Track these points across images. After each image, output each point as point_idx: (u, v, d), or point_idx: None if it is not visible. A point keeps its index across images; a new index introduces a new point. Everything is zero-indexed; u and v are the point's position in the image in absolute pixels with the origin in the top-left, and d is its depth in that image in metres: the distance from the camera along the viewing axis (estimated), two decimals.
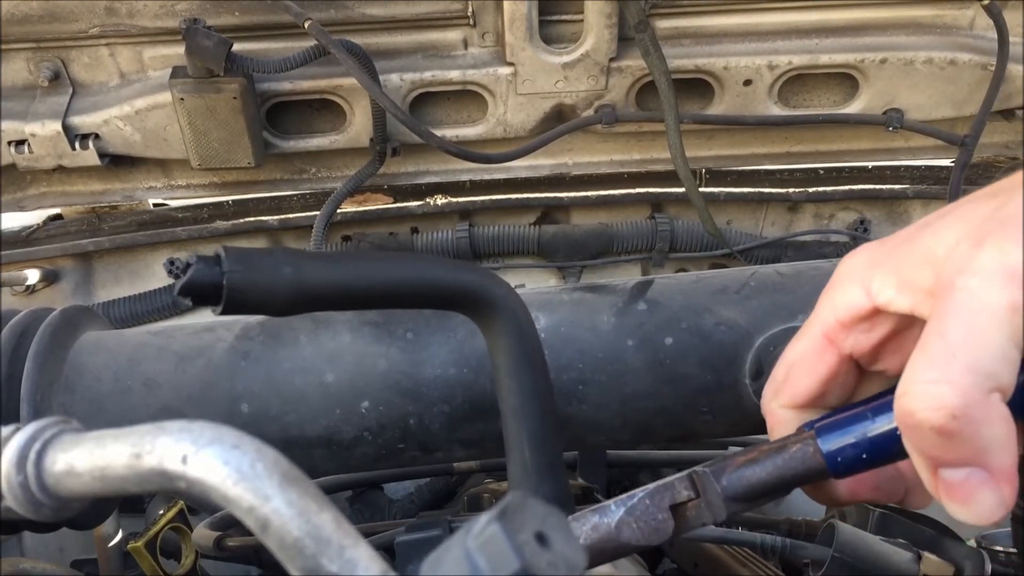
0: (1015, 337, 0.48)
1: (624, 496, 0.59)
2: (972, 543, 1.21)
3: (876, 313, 0.58)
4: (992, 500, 0.50)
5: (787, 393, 0.64)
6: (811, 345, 0.62)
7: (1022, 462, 0.53)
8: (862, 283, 0.59)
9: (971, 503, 0.50)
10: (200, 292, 0.58)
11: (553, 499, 0.66)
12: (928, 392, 0.49)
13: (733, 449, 1.20)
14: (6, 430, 0.48)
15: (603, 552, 0.59)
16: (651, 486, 0.60)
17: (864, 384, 0.64)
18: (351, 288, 0.63)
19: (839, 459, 0.57)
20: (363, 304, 0.67)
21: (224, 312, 0.59)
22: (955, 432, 0.48)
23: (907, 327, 0.58)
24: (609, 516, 0.59)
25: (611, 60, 1.77)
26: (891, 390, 0.54)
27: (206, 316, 0.74)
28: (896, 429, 0.54)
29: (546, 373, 0.69)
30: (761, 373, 0.81)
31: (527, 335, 0.69)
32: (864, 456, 0.56)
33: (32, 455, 0.46)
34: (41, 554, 1.79)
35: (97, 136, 1.77)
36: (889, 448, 0.55)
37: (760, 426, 0.82)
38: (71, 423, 0.48)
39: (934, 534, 1.11)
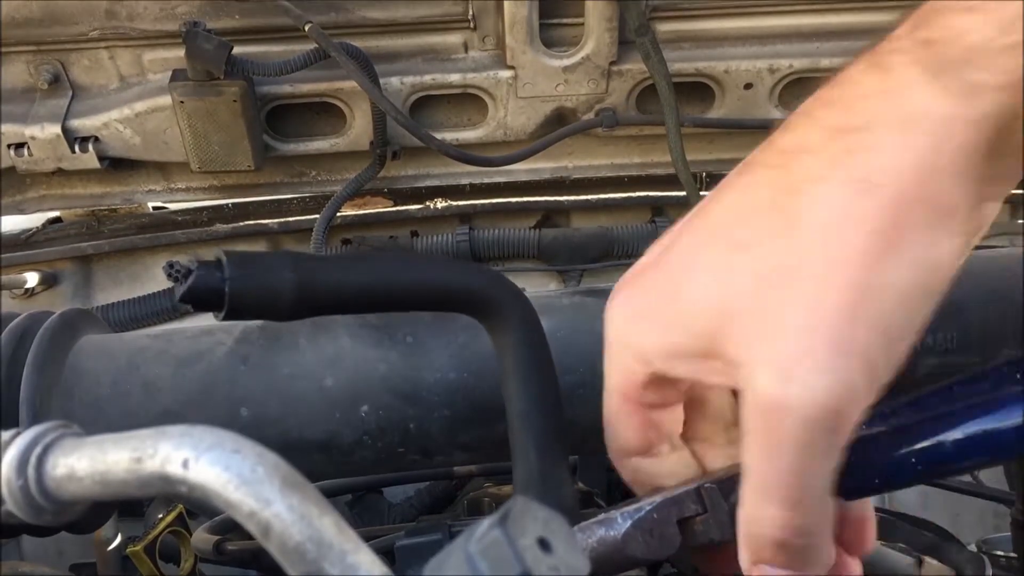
0: (838, 450, 0.48)
1: (631, 508, 0.59)
2: (973, 547, 1.21)
3: (660, 379, 0.56)
4: None
5: (618, 449, 0.62)
6: (614, 405, 0.60)
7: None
8: (629, 346, 0.56)
9: None
10: (202, 298, 0.57)
11: (559, 504, 0.66)
12: (774, 517, 0.50)
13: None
14: (6, 434, 0.48)
15: (609, 564, 0.58)
16: (658, 499, 0.59)
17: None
18: (357, 291, 0.63)
19: (850, 484, 0.56)
20: (369, 307, 0.66)
21: (226, 318, 0.59)
22: (794, 546, 0.50)
23: (705, 392, 0.58)
24: (615, 528, 0.58)
25: (612, 63, 1.77)
26: (917, 401, 0.53)
27: (205, 320, 0.73)
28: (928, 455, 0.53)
29: (554, 378, 0.69)
30: None
31: (536, 338, 0.68)
32: (877, 481, 0.55)
33: (33, 459, 0.46)
34: (40, 558, 1.79)
35: (97, 139, 1.77)
36: (905, 476, 0.54)
37: None
38: (72, 427, 0.48)
39: (935, 538, 1.11)
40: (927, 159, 0.46)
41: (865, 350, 0.46)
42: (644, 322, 0.55)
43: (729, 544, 0.56)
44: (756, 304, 0.48)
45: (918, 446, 0.51)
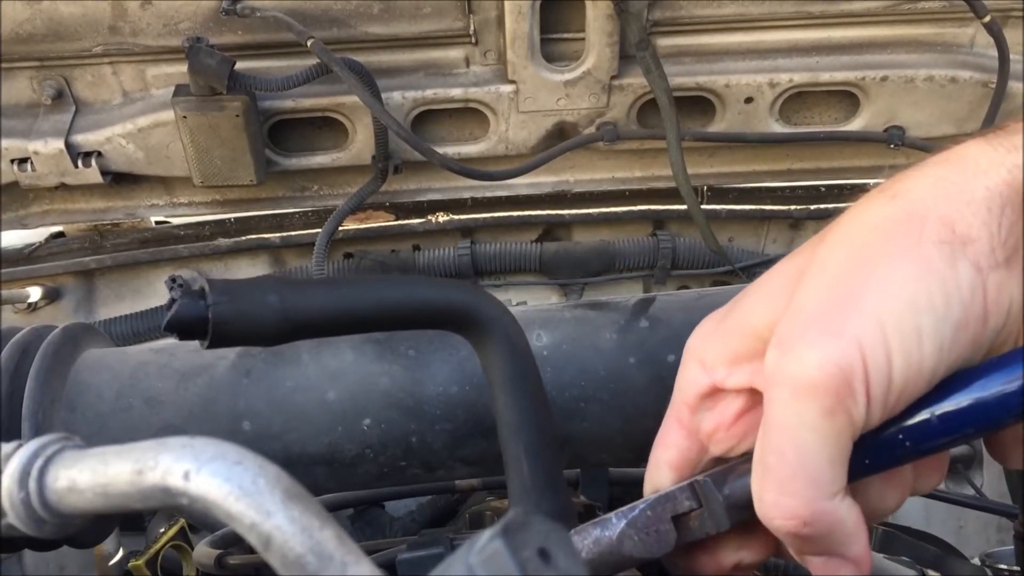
0: (839, 438, 0.50)
1: (625, 508, 0.59)
2: (976, 561, 1.21)
3: (717, 391, 0.60)
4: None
5: (656, 459, 0.65)
6: (673, 414, 0.64)
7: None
8: (699, 360, 0.61)
9: None
10: (186, 327, 0.57)
11: (554, 515, 0.66)
12: (779, 504, 0.52)
13: None
14: (8, 447, 0.48)
15: (605, 565, 0.58)
16: (652, 497, 0.60)
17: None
18: (340, 314, 0.63)
19: None
20: (353, 329, 0.67)
21: (211, 346, 0.58)
22: (809, 535, 0.52)
23: (756, 404, 0.58)
24: (610, 529, 0.59)
25: (612, 78, 1.77)
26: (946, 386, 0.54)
27: None
28: (899, 439, 0.54)
29: (541, 388, 0.69)
30: None
31: (520, 351, 0.69)
32: (867, 462, 0.55)
33: (35, 471, 0.46)
34: (41, 573, 1.78)
35: (100, 154, 1.78)
36: (894, 454, 0.54)
37: None
38: (73, 440, 0.48)
39: (938, 552, 1.11)
40: (951, 183, 0.50)
41: (857, 336, 0.48)
42: (710, 338, 0.61)
43: (719, 537, 0.58)
44: (790, 300, 0.53)
45: (905, 423, 0.52)
